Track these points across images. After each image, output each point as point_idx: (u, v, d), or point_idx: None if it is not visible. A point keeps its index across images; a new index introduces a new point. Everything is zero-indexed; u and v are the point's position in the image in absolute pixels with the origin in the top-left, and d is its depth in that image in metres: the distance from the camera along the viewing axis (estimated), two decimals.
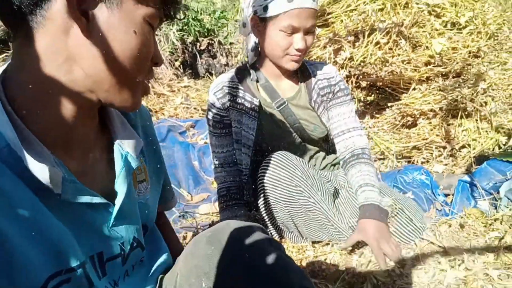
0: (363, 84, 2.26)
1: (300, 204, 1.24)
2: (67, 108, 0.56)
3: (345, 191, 1.45)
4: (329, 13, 2.28)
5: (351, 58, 2.12)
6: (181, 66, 3.77)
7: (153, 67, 0.61)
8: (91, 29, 0.52)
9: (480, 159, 1.91)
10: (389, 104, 2.16)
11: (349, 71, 2.16)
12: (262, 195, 1.30)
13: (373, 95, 2.36)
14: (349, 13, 2.24)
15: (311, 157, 1.47)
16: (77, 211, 0.58)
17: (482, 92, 2.03)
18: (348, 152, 1.39)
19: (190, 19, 3.82)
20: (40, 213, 0.53)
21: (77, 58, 0.53)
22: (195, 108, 2.82)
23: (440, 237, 1.33)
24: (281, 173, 1.22)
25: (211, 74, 3.96)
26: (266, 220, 1.39)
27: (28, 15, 0.51)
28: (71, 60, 0.53)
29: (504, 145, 1.93)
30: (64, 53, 0.52)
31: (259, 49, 1.34)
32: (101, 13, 0.53)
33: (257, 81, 1.36)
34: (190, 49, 3.93)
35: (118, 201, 0.62)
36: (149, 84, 0.62)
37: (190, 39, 3.86)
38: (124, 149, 0.65)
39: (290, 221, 1.30)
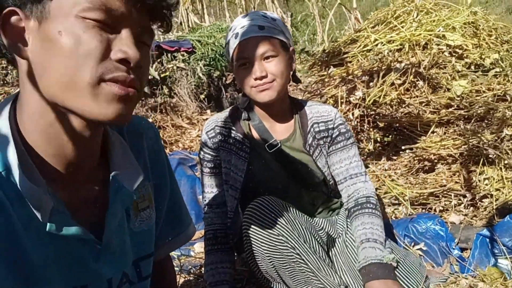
0: (381, 124, 2.17)
1: (283, 254, 1.16)
2: (63, 136, 0.57)
3: (342, 241, 1.36)
4: (345, 53, 2.24)
5: (365, 99, 2.05)
6: (205, 99, 3.84)
7: (122, 66, 0.54)
8: (33, 50, 0.54)
9: (503, 211, 1.74)
10: (403, 147, 2.04)
11: (363, 111, 2.08)
12: (247, 242, 1.24)
13: (390, 136, 2.25)
14: (366, 53, 2.19)
15: (308, 202, 1.39)
16: (63, 242, 0.58)
17: (507, 138, 1.87)
18: (352, 201, 1.32)
19: (217, 55, 3.92)
20: (19, 243, 0.54)
21: (38, 82, 0.54)
22: None
23: None
24: (264, 220, 1.16)
25: None
26: (253, 267, 1.31)
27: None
28: (36, 86, 0.55)
29: None
30: (28, 82, 0.56)
31: None
32: (33, 31, 0.53)
33: (249, 119, 1.33)
34: (216, 83, 4.01)
35: (106, 237, 0.62)
36: (129, 90, 0.55)
37: (216, 73, 3.94)
38: (121, 182, 0.64)
39: (274, 272, 1.22)
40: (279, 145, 1.31)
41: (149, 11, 0.57)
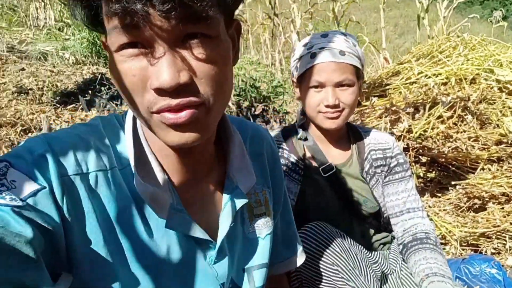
0: (423, 159, 2.08)
1: (336, 286, 1.05)
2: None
3: (397, 278, 1.24)
4: (387, 84, 2.20)
5: (409, 131, 1.97)
6: None
7: (161, 96, 0.46)
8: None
9: None
10: (452, 183, 1.93)
11: (407, 144, 2.00)
12: (296, 269, 1.14)
13: (434, 172, 2.15)
14: (408, 86, 2.14)
15: (358, 234, 1.29)
16: (179, 241, 0.57)
17: None
18: (409, 235, 1.20)
19: (248, 86, 3.95)
20: (143, 234, 0.54)
21: None
22: None
23: None
24: (316, 247, 1.06)
25: None
26: None
27: None
28: None
29: None
30: None
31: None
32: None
33: (306, 139, 1.26)
34: (244, 113, 4.00)
35: (219, 238, 0.61)
36: (179, 116, 0.47)
37: (245, 104, 3.95)
38: (235, 182, 0.63)
39: None
40: (334, 169, 1.23)
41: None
